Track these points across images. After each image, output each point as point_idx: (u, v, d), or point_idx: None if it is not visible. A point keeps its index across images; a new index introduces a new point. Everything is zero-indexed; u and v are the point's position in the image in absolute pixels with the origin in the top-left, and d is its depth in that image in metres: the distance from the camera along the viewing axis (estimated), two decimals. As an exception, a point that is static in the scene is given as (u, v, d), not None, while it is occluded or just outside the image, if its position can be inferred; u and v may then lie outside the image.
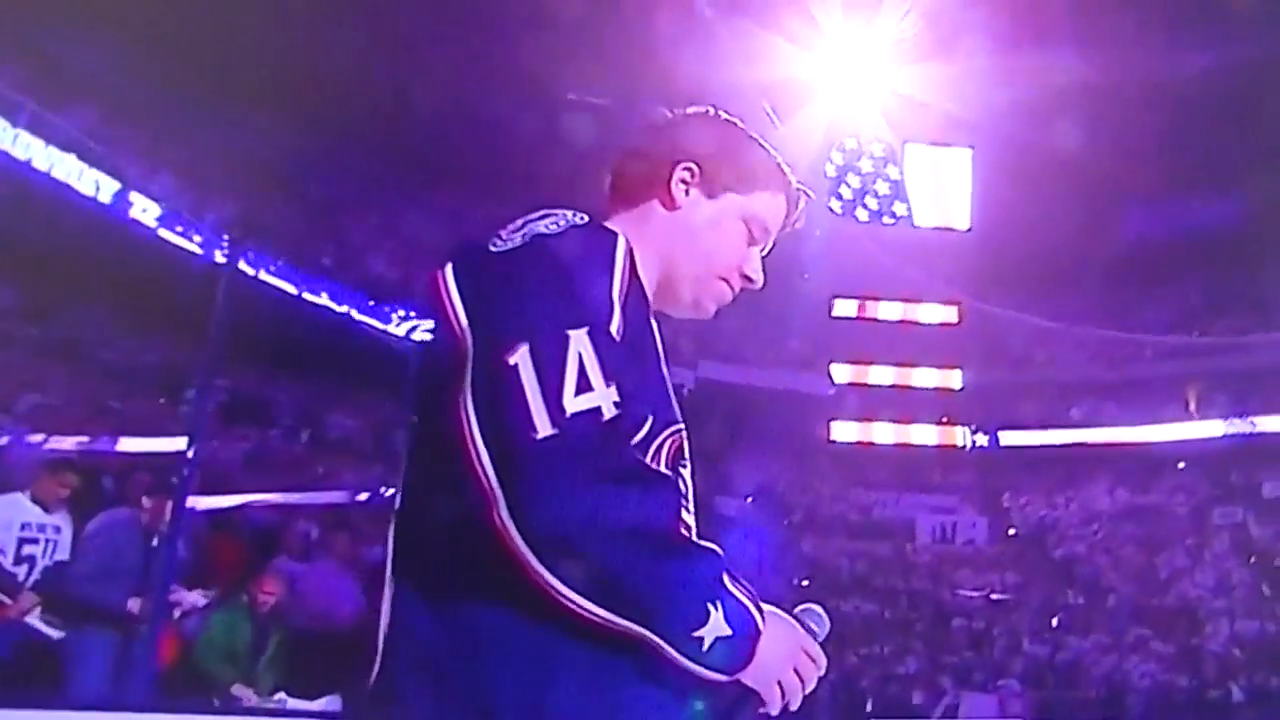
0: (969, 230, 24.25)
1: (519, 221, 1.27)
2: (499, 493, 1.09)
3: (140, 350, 16.25)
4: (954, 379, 24.65)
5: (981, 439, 25.01)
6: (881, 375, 25.02)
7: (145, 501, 5.68)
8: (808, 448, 24.23)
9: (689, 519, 1.27)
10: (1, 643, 5.14)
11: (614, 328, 1.18)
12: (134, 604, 5.27)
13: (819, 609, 1.32)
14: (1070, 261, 24.60)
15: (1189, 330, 25.74)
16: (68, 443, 10.30)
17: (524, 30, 20.36)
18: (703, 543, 1.17)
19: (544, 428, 1.09)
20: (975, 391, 24.40)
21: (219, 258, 16.06)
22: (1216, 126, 24.56)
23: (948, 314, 25.18)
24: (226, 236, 16.11)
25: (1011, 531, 23.98)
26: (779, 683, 1.22)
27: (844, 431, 24.94)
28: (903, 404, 24.60)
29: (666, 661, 1.11)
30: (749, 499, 21.03)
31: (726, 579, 1.14)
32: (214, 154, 17.90)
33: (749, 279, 1.45)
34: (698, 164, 1.40)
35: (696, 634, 1.10)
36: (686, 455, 1.32)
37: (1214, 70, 23.99)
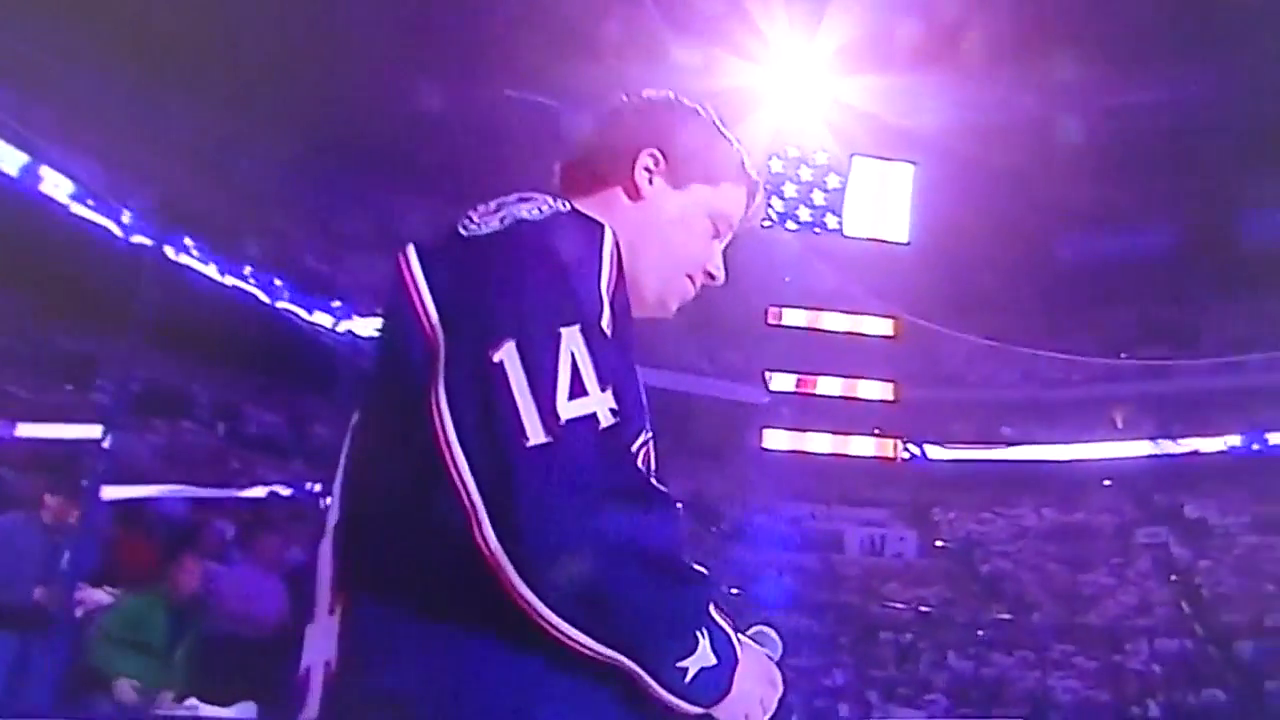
0: (908, 245, 24.34)
1: (491, 204, 1.16)
2: (482, 508, 0.96)
3: (47, 335, 15.57)
4: (888, 392, 24.71)
5: (913, 452, 25.12)
6: (817, 386, 25.01)
7: (48, 499, 5.30)
8: (739, 456, 24.13)
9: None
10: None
11: (604, 323, 1.08)
12: (39, 593, 4.87)
13: (772, 631, 1.28)
14: (1005, 282, 24.91)
15: (1117, 354, 26.23)
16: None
17: (464, 26, 20.08)
18: (695, 566, 1.07)
19: (536, 435, 0.97)
20: (908, 406, 24.49)
21: (139, 241, 15.62)
22: (1151, 160, 25.10)
23: (885, 327, 25.26)
24: (153, 222, 15.71)
25: (939, 544, 24.09)
26: (745, 715, 1.15)
27: (776, 440, 24.89)
28: (836, 415, 24.62)
29: (645, 693, 1.02)
30: (679, 505, 20.81)
31: (711, 605, 1.07)
32: (136, 136, 17.28)
33: (711, 276, 1.36)
34: (662, 152, 1.30)
35: (682, 664, 1.02)
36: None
37: (1151, 106, 24.55)
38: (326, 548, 1.06)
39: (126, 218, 16.08)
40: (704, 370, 23.45)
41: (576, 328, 1.03)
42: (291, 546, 7.96)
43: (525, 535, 0.96)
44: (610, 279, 1.12)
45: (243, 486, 13.18)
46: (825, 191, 24.08)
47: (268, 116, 19.18)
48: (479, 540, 0.95)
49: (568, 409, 0.99)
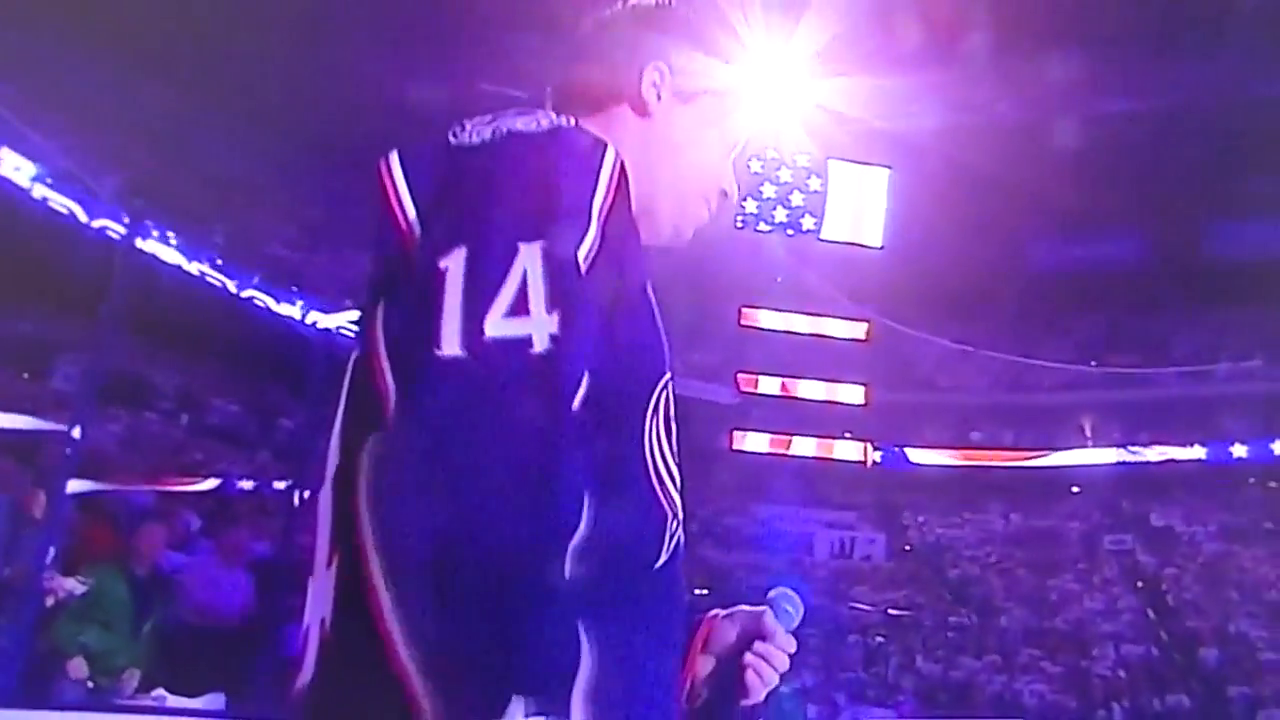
0: (881, 249, 24.40)
1: (487, 116, 1.05)
2: (389, 421, 0.84)
3: (2, 321, 15.21)
4: (860, 395, 24.72)
5: (883, 456, 25.15)
6: (787, 388, 24.97)
7: (13, 484, 5.13)
8: (709, 457, 24.04)
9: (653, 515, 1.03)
10: None
11: (584, 250, 0.95)
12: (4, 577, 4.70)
13: (791, 592, 1.22)
14: (977, 288, 25.04)
15: (1088, 361, 26.45)
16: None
17: (440, 17, 19.91)
18: (561, 633, 0.85)
19: (450, 347, 0.85)
20: (879, 409, 24.49)
21: (101, 226, 15.33)
22: (1123, 169, 25.35)
23: (857, 330, 25.26)
24: (116, 207, 15.41)
25: (907, 548, 24.14)
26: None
27: (747, 442, 24.81)
28: (808, 418, 24.58)
29: None
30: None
31: (579, 694, 0.84)
32: (99, 119, 16.95)
33: (725, 194, 1.26)
34: (668, 64, 1.20)
35: None
36: (671, 414, 1.09)
37: (1124, 115, 24.79)
38: (325, 496, 0.92)
39: (87, 205, 15.75)
40: (674, 370, 23.33)
41: (538, 245, 0.91)
42: (257, 539, 7.87)
43: (391, 457, 0.83)
44: (605, 200, 0.99)
45: (206, 478, 12.98)
46: (805, 193, 24.08)
47: (237, 102, 18.92)
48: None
49: (498, 326, 0.87)
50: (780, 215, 24.80)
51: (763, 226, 24.61)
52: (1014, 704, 16.46)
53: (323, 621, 0.88)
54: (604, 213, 0.98)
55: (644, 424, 1.04)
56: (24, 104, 16.36)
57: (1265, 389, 24.33)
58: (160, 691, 5.31)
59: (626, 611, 0.98)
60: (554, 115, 1.07)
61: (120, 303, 5.83)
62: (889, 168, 23.85)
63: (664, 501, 1.05)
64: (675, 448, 1.09)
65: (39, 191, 15.54)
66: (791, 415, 24.54)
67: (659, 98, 1.19)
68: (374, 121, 20.40)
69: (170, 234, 16.51)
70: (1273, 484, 23.79)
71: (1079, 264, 27.21)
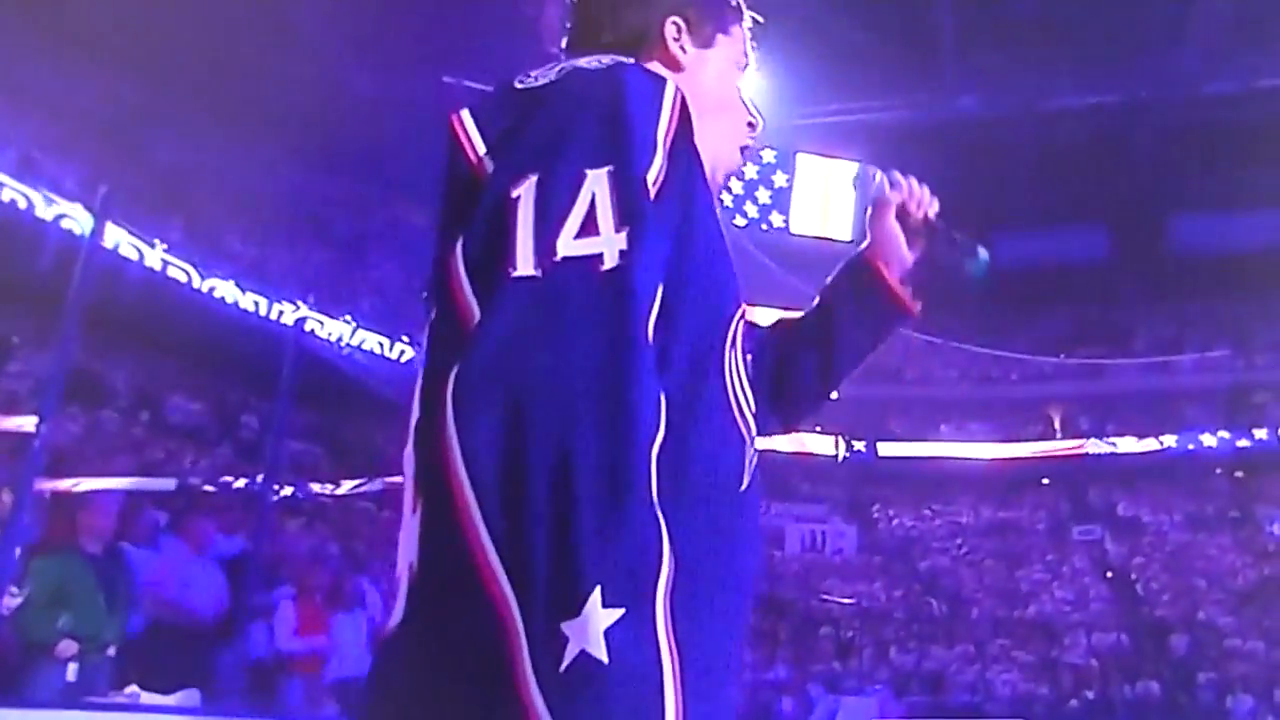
0: (851, 243, 24.52)
1: (552, 62, 1.09)
2: (470, 345, 0.87)
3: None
4: (829, 389, 24.82)
5: (852, 449, 25.21)
6: (757, 382, 25.00)
7: None
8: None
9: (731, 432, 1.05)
10: None
11: (652, 175, 0.97)
12: None
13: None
14: (944, 282, 25.13)
15: (1055, 354, 26.70)
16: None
17: (399, 8, 19.69)
18: (654, 506, 0.83)
19: (524, 266, 0.89)
20: (848, 402, 24.52)
21: (49, 218, 14.93)
22: (1088, 162, 25.61)
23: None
24: (69, 200, 15.03)
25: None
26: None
27: (717, 437, 24.78)
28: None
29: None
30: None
31: (663, 590, 0.81)
32: (50, 110, 16.58)
33: (752, 126, 1.30)
34: (682, 16, 1.23)
35: (564, 626, 0.77)
36: (742, 346, 1.11)
37: (1089, 109, 25.03)
38: (409, 450, 0.92)
39: (40, 196, 15.34)
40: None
41: (605, 170, 0.94)
42: (224, 534, 7.73)
43: (470, 376, 0.85)
44: (669, 129, 1.01)
45: (169, 475, 12.73)
46: (770, 190, 24.12)
47: (193, 94, 18.59)
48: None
49: (569, 246, 0.90)
50: (751, 211, 24.87)
51: (739, 220, 24.66)
52: (987, 693, 16.54)
53: (410, 566, 0.89)
54: (669, 141, 1.01)
55: (723, 352, 1.06)
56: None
57: (1230, 380, 24.69)
58: (134, 689, 5.22)
59: (713, 529, 0.99)
60: (617, 56, 1.09)
61: (82, 298, 5.66)
62: (858, 161, 23.94)
63: (743, 428, 1.07)
64: (750, 378, 1.11)
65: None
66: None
67: (684, 50, 1.23)
68: (332, 114, 20.20)
69: (123, 229, 16.11)
70: (1238, 474, 24.11)
71: (1043, 257, 27.46)
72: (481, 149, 1.01)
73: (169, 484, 11.98)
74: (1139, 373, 25.89)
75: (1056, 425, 25.63)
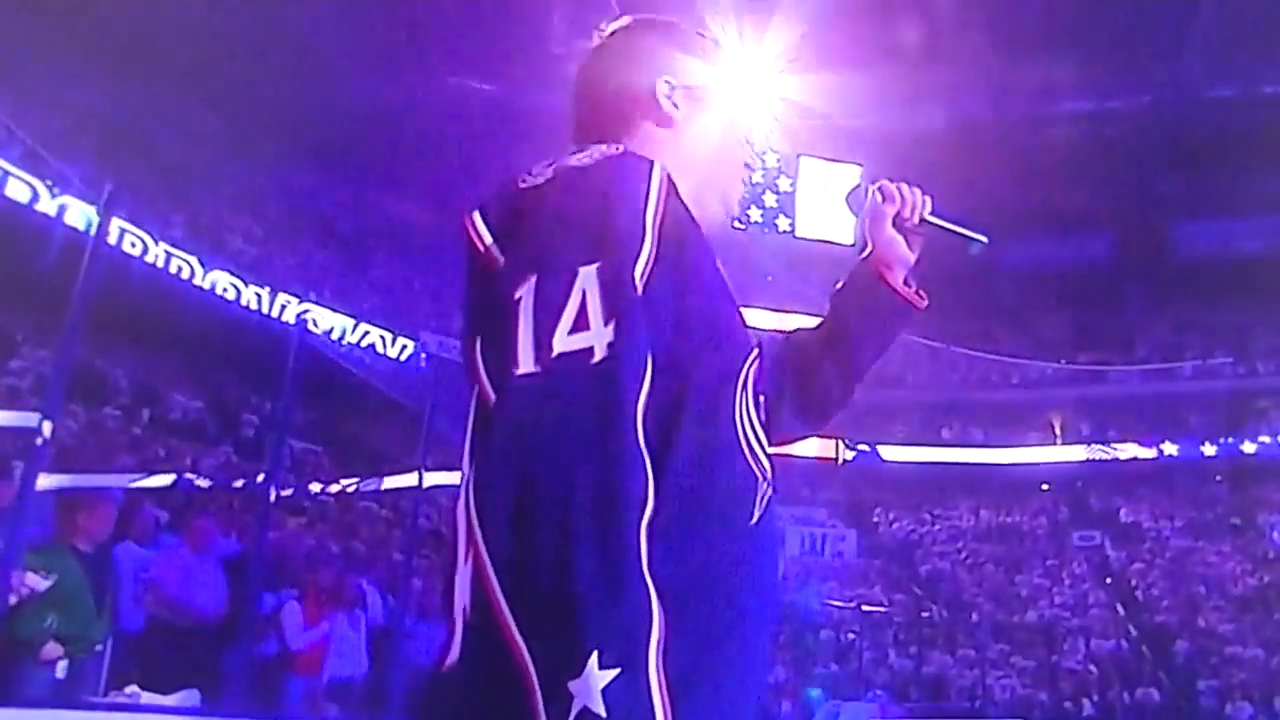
0: (853, 246, 24.51)
1: (549, 158, 1.17)
2: (492, 438, 0.97)
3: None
4: (830, 392, 24.81)
5: (853, 453, 25.18)
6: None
7: None
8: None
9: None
10: None
11: (641, 261, 1.05)
12: None
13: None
14: (945, 286, 25.08)
15: (1056, 359, 26.67)
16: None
17: (405, 10, 19.69)
18: (645, 578, 0.92)
19: (525, 364, 0.98)
20: (849, 406, 24.44)
21: (51, 214, 14.93)
22: (1091, 167, 25.57)
23: (826, 327, 25.32)
24: (73, 198, 15.04)
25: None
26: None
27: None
28: (778, 415, 24.59)
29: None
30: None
31: (655, 646, 0.90)
32: (53, 108, 16.58)
33: (749, 167, 1.41)
34: (673, 74, 1.31)
35: (570, 684, 0.87)
36: (755, 389, 1.18)
37: (1093, 114, 25.00)
38: (463, 499, 1.00)
39: (43, 194, 15.34)
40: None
41: (594, 266, 1.02)
42: (224, 533, 7.71)
43: (489, 462, 0.95)
44: (657, 211, 1.09)
45: (169, 473, 12.68)
46: (776, 194, 24.09)
47: (195, 93, 18.58)
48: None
49: (564, 342, 0.98)
50: (755, 215, 24.84)
51: (737, 225, 24.63)
52: (986, 698, 16.50)
53: (464, 610, 0.96)
54: (658, 222, 1.08)
55: (734, 397, 1.13)
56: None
57: (1231, 386, 24.65)
58: (134, 689, 5.15)
59: (727, 564, 1.07)
60: (605, 147, 1.16)
61: (87, 295, 5.62)
62: (860, 165, 23.93)
63: (754, 467, 1.14)
64: (763, 418, 1.19)
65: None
66: (763, 413, 24.55)
67: (676, 106, 1.30)
68: (334, 114, 20.20)
69: (130, 226, 16.12)
70: (1238, 480, 24.07)
71: (1046, 262, 27.42)
72: (489, 239, 1.10)
73: (168, 481, 11.98)
74: (1141, 378, 25.87)
75: (1057, 431, 25.60)
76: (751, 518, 1.12)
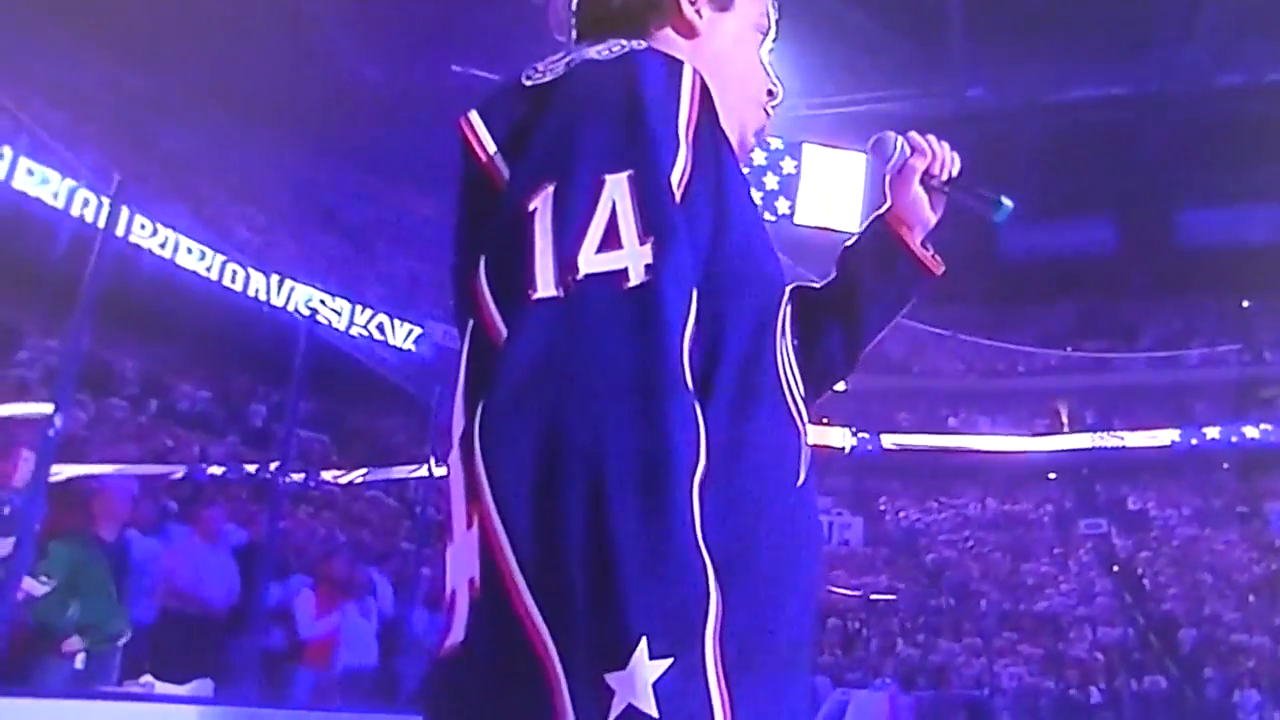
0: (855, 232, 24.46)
1: (560, 53, 1.02)
2: (494, 372, 0.83)
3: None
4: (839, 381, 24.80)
5: (859, 441, 25.21)
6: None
7: None
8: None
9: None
10: None
11: (676, 172, 0.91)
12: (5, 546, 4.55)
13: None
14: (951, 274, 25.06)
15: (1062, 347, 26.67)
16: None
17: (419, 7, 19.68)
18: (699, 544, 0.78)
19: (545, 287, 0.83)
20: (855, 394, 24.55)
21: (59, 207, 14.92)
22: (1094, 155, 25.53)
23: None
24: (79, 189, 15.01)
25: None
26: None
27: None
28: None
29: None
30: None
31: (712, 629, 0.76)
32: (56, 99, 16.53)
33: (772, 94, 1.22)
34: None
35: (608, 678, 0.73)
36: (792, 331, 1.06)
37: (1095, 101, 24.94)
38: (454, 461, 0.87)
39: (50, 186, 15.33)
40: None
41: (625, 175, 0.87)
42: (233, 521, 7.73)
43: (500, 406, 0.80)
44: (690, 118, 0.95)
45: (177, 463, 12.72)
46: (779, 176, 24.06)
47: (200, 82, 18.55)
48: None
49: (591, 262, 0.84)
50: (754, 197, 24.79)
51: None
52: (993, 686, 16.54)
53: (471, 581, 0.83)
54: (691, 131, 0.95)
55: (774, 338, 1.01)
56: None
57: (1237, 373, 24.64)
58: (148, 678, 5.18)
59: (773, 529, 0.94)
60: (627, 40, 1.01)
61: (96, 286, 5.63)
62: (866, 152, 23.91)
63: (797, 418, 1.02)
64: (799, 365, 1.06)
65: (4, 175, 15.05)
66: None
67: (700, 14, 1.15)
68: (342, 105, 20.18)
69: (138, 217, 16.12)
70: (1245, 468, 24.07)
71: (1051, 250, 27.42)
72: (491, 148, 0.97)
73: (178, 471, 12.01)
74: (1147, 366, 25.86)
75: (1063, 419, 25.62)
76: (798, 477, 1.01)
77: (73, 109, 17.00)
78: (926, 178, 1.34)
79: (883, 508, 25.26)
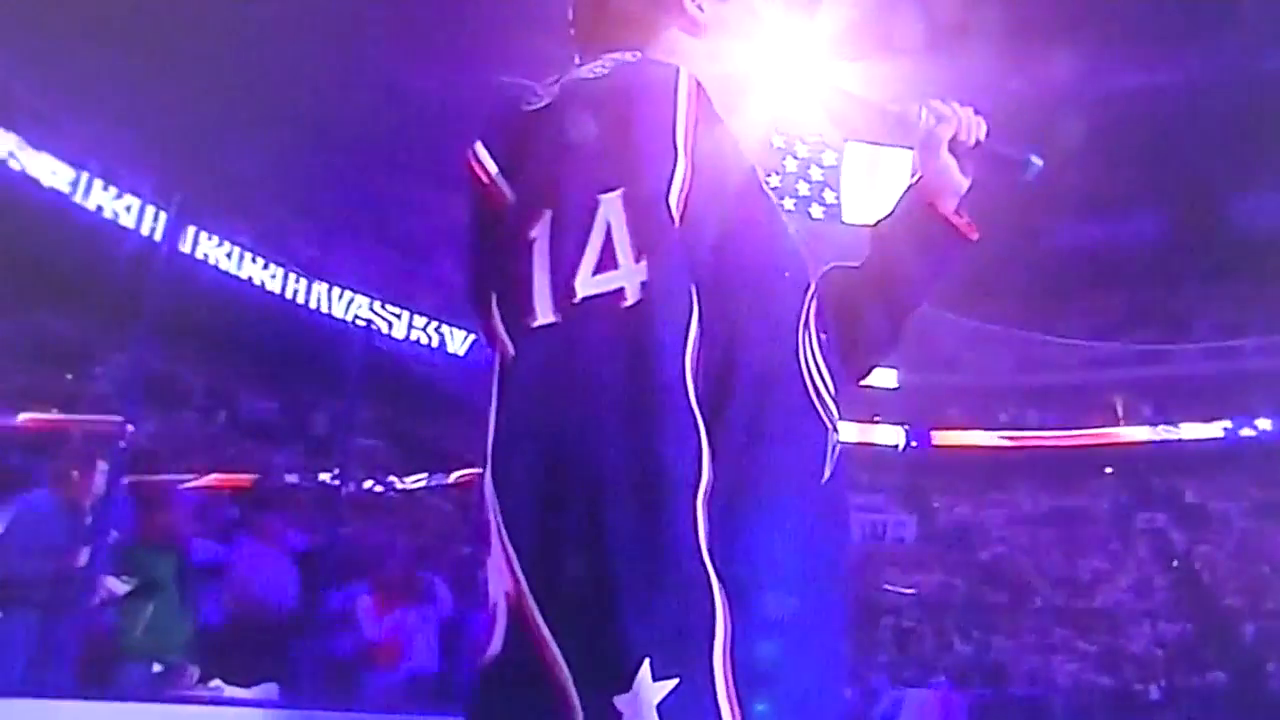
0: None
1: (555, 74, 1.01)
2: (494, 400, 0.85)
3: (39, 323, 15.39)
4: (888, 378, 24.65)
5: (911, 439, 25.09)
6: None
7: (74, 476, 5.19)
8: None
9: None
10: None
11: (676, 184, 0.90)
12: (83, 555, 4.76)
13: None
14: (1000, 268, 24.94)
15: (1114, 339, 26.30)
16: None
17: (459, 11, 19.94)
18: (705, 563, 0.78)
19: (544, 314, 0.83)
20: (906, 391, 24.46)
21: (131, 226, 15.47)
22: (1143, 144, 25.16)
23: (879, 312, 25.21)
24: (146, 209, 15.55)
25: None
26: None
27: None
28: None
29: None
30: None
31: (720, 646, 0.76)
32: (127, 123, 17.07)
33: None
34: None
35: (617, 701, 0.73)
36: (816, 327, 1.04)
37: (1143, 89, 24.59)
38: (486, 475, 0.87)
39: (122, 201, 15.88)
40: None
41: (618, 194, 0.87)
42: (296, 529, 7.92)
43: (501, 431, 0.83)
44: (687, 125, 0.94)
45: (245, 472, 13.06)
46: (822, 168, 24.01)
47: (258, 102, 19.01)
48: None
49: (588, 285, 0.84)
50: (802, 189, 24.71)
51: (787, 203, 24.58)
52: (1049, 683, 16.46)
53: (507, 594, 0.82)
54: (689, 138, 0.93)
55: (796, 337, 1.01)
56: (60, 109, 16.49)
57: (1295, 363, 24.14)
58: (217, 683, 5.39)
59: (796, 528, 0.94)
60: (618, 55, 1.01)
61: (148, 303, 5.89)
62: (911, 148, 23.80)
63: (823, 416, 1.02)
64: (827, 360, 1.05)
65: (78, 196, 15.65)
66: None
67: (702, 9, 1.14)
68: (394, 117, 20.55)
69: (196, 234, 16.63)
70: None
71: (1101, 242, 27.07)
72: (493, 171, 0.97)
73: (245, 480, 12.35)
74: (1203, 357, 25.42)
75: (1118, 412, 25.25)
76: (822, 476, 1.00)
77: (137, 131, 17.54)
78: (954, 144, 1.32)
79: (936, 505, 25.11)
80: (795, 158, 23.04)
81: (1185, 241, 27.37)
